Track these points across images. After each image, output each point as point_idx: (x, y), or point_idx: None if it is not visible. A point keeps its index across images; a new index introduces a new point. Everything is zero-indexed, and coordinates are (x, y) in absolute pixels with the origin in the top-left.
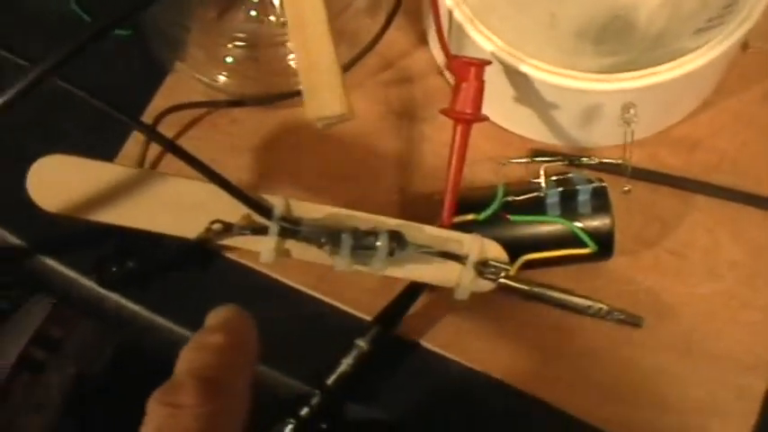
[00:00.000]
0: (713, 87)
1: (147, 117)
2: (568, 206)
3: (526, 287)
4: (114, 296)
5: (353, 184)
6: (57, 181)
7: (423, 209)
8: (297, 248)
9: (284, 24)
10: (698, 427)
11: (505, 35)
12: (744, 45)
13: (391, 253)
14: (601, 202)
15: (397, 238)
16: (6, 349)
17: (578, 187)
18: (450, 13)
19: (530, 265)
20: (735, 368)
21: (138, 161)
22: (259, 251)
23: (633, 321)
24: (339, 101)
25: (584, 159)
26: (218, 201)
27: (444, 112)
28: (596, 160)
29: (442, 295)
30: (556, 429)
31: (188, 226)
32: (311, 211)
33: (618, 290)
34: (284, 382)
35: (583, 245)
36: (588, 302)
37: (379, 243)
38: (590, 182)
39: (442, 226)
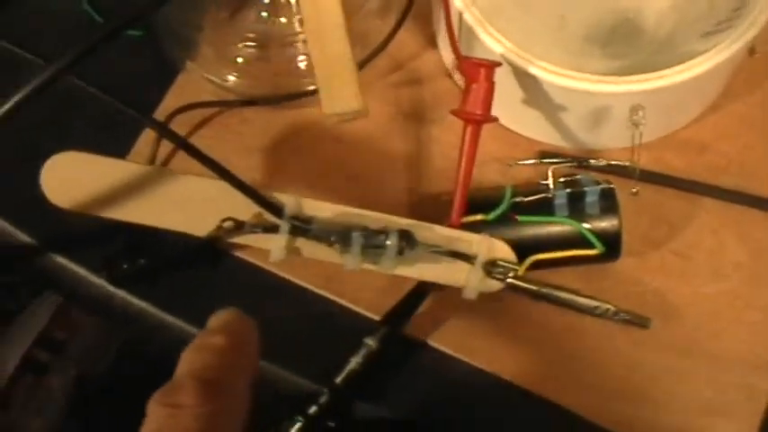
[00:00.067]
0: (720, 91)
1: (158, 117)
2: (576, 207)
3: (534, 287)
4: (123, 294)
5: (362, 185)
6: (70, 177)
7: (431, 209)
8: (307, 247)
9: (294, 25)
10: (703, 426)
11: (514, 37)
12: (751, 50)
13: (401, 252)
14: (609, 203)
15: (406, 238)
16: (10, 352)
17: (586, 188)
18: (461, 16)
19: (537, 265)
20: (740, 368)
21: (148, 160)
22: (269, 249)
23: (640, 322)
24: (354, 97)
25: (592, 161)
26: (229, 199)
27: (454, 112)
28: (604, 162)
29: (449, 295)
30: (562, 429)
31: (199, 224)
32: (321, 209)
33: (625, 291)
34: (292, 380)
35: (590, 246)
36: (595, 303)
37: (389, 242)
38: (598, 183)
39: (451, 226)
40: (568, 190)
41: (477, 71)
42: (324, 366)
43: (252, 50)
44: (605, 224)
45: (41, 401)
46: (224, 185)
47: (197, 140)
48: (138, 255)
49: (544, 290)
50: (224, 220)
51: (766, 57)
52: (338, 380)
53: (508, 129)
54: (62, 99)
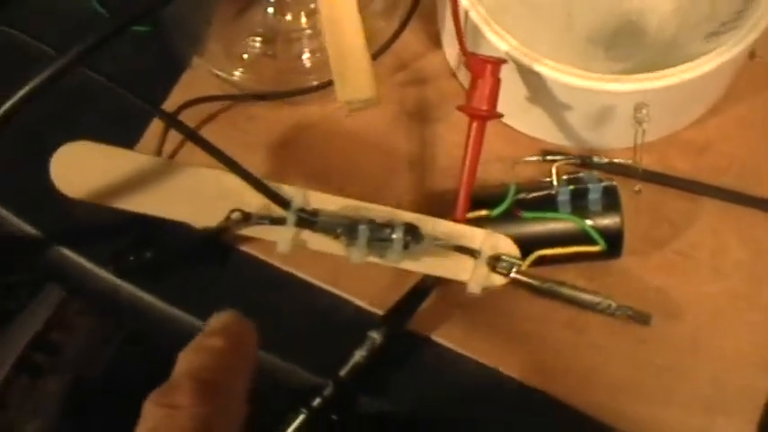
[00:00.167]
0: (722, 92)
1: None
2: (579, 204)
3: (537, 282)
4: (129, 287)
5: (366, 182)
6: (79, 167)
7: (435, 207)
8: (313, 239)
9: (301, 22)
10: (703, 423)
11: (520, 36)
12: (751, 54)
13: (406, 246)
14: (611, 200)
15: (412, 232)
16: (5, 354)
17: (589, 186)
18: (467, 14)
19: (540, 262)
20: (740, 366)
21: (155, 153)
22: (275, 242)
23: (641, 318)
24: (369, 85)
25: (595, 159)
26: (237, 191)
27: (461, 108)
28: (606, 161)
29: (453, 291)
30: (564, 425)
31: (207, 215)
32: (328, 202)
33: (626, 289)
34: (296, 373)
35: (593, 242)
36: (597, 298)
37: (395, 236)
38: (600, 181)
39: (455, 221)
40: (571, 187)
41: (484, 67)
42: (328, 360)
43: (258, 47)
44: (608, 221)
45: (37, 403)
46: (232, 177)
47: (203, 136)
48: (144, 248)
49: (547, 285)
50: (232, 212)
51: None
52: (342, 373)
53: (512, 128)
54: (69, 94)
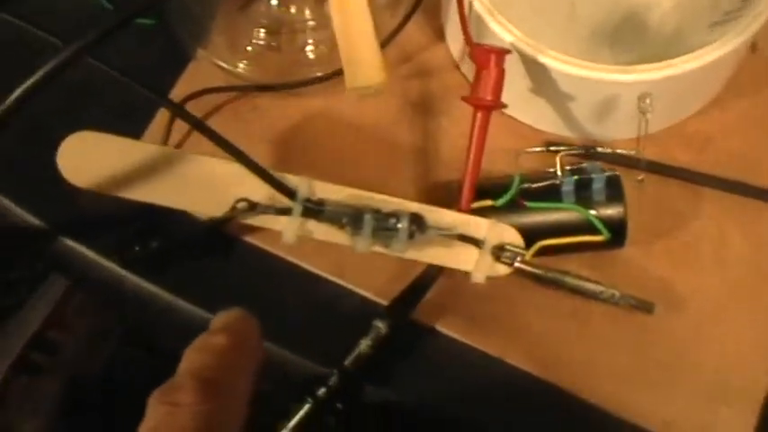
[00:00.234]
0: (725, 83)
1: None
2: (583, 194)
3: (541, 271)
4: (133, 277)
5: (371, 174)
6: (86, 157)
7: (439, 198)
8: (318, 229)
9: (304, 15)
10: (707, 412)
11: (524, 28)
12: (753, 46)
13: (411, 235)
14: (615, 190)
15: (417, 221)
16: (3, 353)
17: (593, 176)
18: (471, 5)
19: (544, 252)
20: (743, 356)
21: (161, 144)
22: (280, 232)
23: (644, 307)
24: (377, 72)
25: (599, 149)
26: (243, 181)
27: (465, 99)
28: (610, 151)
29: (457, 281)
30: (569, 413)
31: (213, 204)
32: (333, 192)
33: (630, 279)
34: (301, 364)
35: (597, 232)
36: (601, 288)
37: (400, 225)
38: (604, 171)
39: (460, 211)
40: (575, 177)
41: (488, 57)
42: (333, 350)
43: (262, 39)
44: (611, 211)
45: (36, 403)
46: (238, 167)
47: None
48: (149, 238)
49: (551, 274)
50: (238, 201)
51: None
52: (347, 363)
53: (516, 119)
54: (73, 87)
